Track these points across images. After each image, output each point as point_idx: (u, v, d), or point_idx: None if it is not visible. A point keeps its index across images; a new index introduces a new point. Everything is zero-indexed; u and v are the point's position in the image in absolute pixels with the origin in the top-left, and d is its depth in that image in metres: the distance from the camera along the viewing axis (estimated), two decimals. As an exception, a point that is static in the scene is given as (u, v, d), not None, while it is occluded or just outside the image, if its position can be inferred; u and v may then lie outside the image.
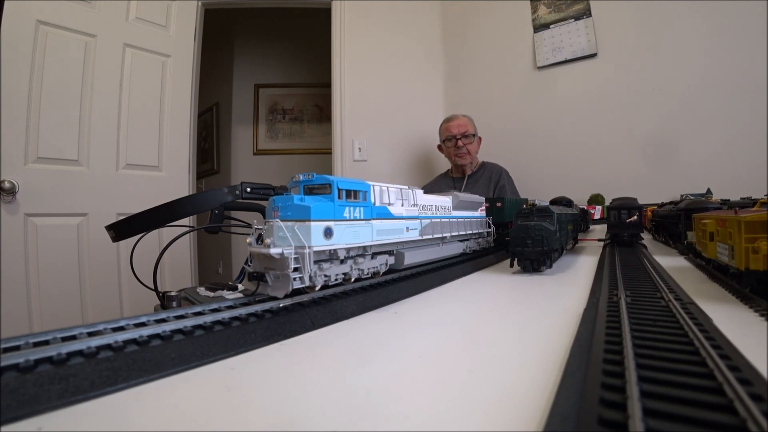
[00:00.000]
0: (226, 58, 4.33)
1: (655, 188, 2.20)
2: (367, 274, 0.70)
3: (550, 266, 0.97)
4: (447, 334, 0.56)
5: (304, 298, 0.61)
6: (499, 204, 1.39)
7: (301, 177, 0.63)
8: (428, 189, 1.08)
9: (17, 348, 0.38)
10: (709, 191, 1.91)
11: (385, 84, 3.03)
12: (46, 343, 0.40)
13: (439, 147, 2.60)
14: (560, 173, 2.63)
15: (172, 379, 0.40)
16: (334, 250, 0.59)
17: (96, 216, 2.14)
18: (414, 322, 0.61)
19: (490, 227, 1.25)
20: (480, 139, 2.54)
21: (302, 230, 0.54)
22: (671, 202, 1.47)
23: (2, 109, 1.86)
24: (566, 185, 2.41)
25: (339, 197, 0.60)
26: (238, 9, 3.55)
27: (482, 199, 1.24)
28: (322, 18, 3.06)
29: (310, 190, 0.63)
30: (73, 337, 0.42)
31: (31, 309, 1.96)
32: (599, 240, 1.64)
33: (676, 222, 1.20)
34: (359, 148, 2.96)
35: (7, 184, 1.88)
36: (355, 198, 0.64)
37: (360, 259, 0.67)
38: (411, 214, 0.80)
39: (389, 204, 0.73)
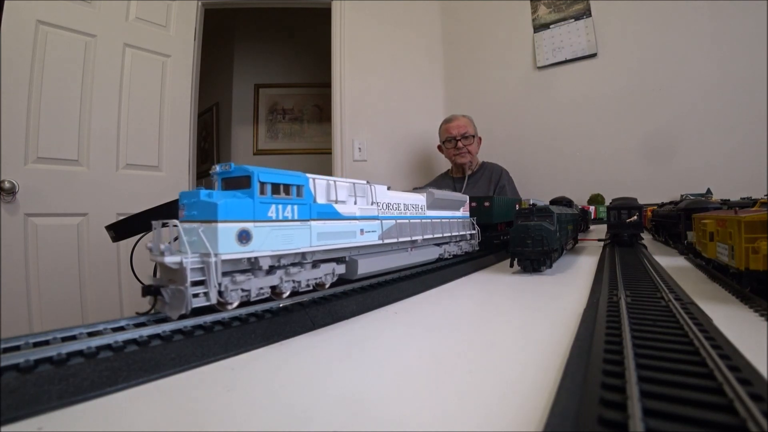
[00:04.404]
0: (226, 58, 4.33)
1: (655, 188, 2.20)
2: (308, 286, 0.60)
3: (550, 266, 0.97)
4: (447, 334, 0.56)
5: (304, 298, 0.61)
6: (487, 204, 1.27)
7: (218, 168, 0.53)
8: None
9: (17, 348, 0.38)
10: (709, 191, 1.91)
11: (385, 84, 3.03)
12: (46, 343, 0.40)
13: (439, 147, 2.60)
14: (560, 173, 2.63)
15: (172, 379, 0.40)
16: (255, 258, 0.49)
17: (96, 216, 2.14)
18: (414, 322, 0.61)
19: (474, 229, 1.14)
20: (480, 139, 2.54)
21: (208, 233, 0.45)
22: (671, 202, 1.47)
23: (2, 109, 1.86)
24: (566, 185, 2.41)
25: (261, 192, 0.50)
26: (238, 9, 3.55)
27: (464, 197, 1.12)
28: (322, 18, 3.06)
29: (231, 184, 0.53)
30: (73, 337, 0.42)
31: (31, 309, 1.96)
32: (599, 240, 1.64)
33: (676, 222, 1.20)
34: (359, 148, 2.96)
35: (7, 184, 1.88)
36: (286, 194, 0.54)
37: (293, 269, 0.56)
38: (368, 213, 0.70)
39: (336, 202, 0.63)
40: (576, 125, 2.59)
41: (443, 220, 0.96)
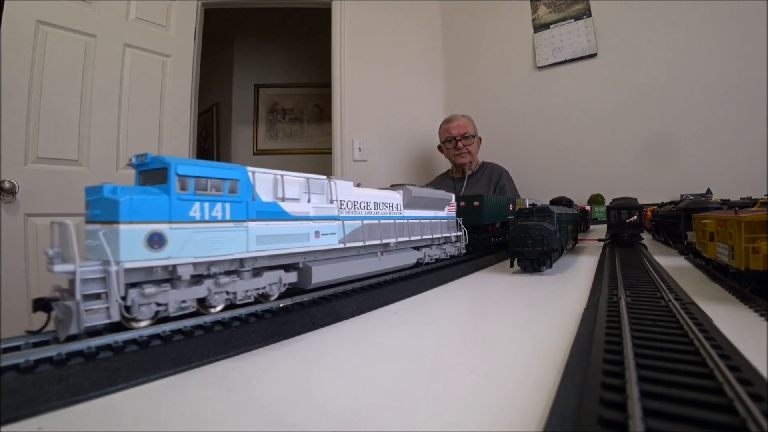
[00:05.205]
0: (226, 58, 4.33)
1: (655, 188, 2.20)
2: (248, 297, 0.52)
3: (550, 266, 0.97)
4: (447, 334, 0.56)
5: (304, 298, 0.61)
6: (476, 203, 1.18)
7: (134, 160, 0.46)
8: None
9: (17, 348, 0.38)
10: (709, 191, 1.91)
11: (385, 84, 3.03)
12: (46, 343, 0.40)
13: (439, 147, 2.60)
14: (560, 173, 2.63)
15: (172, 379, 0.40)
16: (173, 266, 0.43)
17: (96, 216, 2.14)
18: (414, 322, 0.61)
19: (460, 230, 1.04)
20: (480, 139, 2.54)
21: (109, 237, 0.38)
22: (671, 202, 1.47)
23: (2, 109, 1.86)
24: (566, 185, 2.41)
25: (182, 188, 0.43)
26: (238, 9, 3.55)
27: (449, 195, 1.03)
28: (322, 18, 3.06)
29: (149, 178, 0.46)
30: (74, 337, 0.42)
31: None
32: (599, 240, 1.64)
33: (676, 222, 1.20)
34: (359, 148, 2.96)
35: (7, 184, 1.88)
36: (216, 190, 0.46)
37: (224, 278, 0.48)
38: (325, 213, 0.61)
39: (282, 199, 0.55)
40: (576, 125, 2.58)
41: (423, 221, 0.88)
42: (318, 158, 4.16)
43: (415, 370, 0.41)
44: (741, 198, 1.41)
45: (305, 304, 0.59)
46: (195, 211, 0.44)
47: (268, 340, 0.50)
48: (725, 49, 2.12)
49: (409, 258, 0.85)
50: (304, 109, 4.36)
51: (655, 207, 1.69)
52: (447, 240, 1.01)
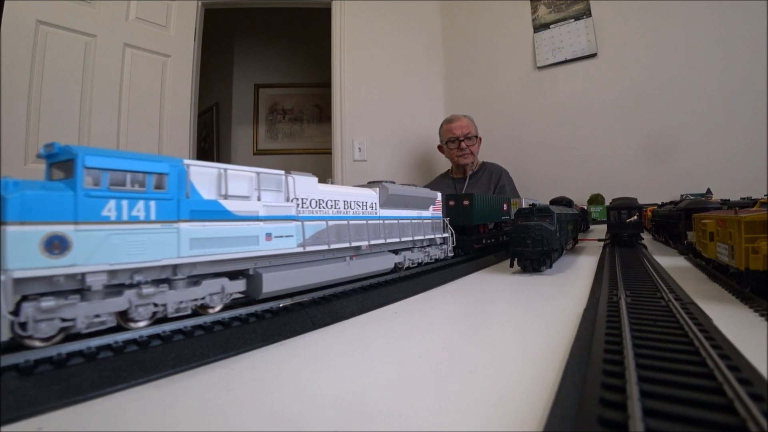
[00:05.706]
0: (226, 58, 4.33)
1: (655, 188, 2.20)
2: (183, 310, 0.46)
3: (550, 266, 0.97)
4: (447, 333, 0.56)
5: (304, 298, 0.61)
6: (466, 202, 1.10)
7: (42, 151, 0.40)
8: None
9: (17, 348, 0.38)
10: (709, 191, 1.91)
11: (385, 84, 3.03)
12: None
13: (440, 147, 2.60)
14: (560, 173, 2.63)
15: (172, 379, 0.40)
16: (82, 274, 0.37)
17: (96, 216, 2.14)
18: (414, 322, 0.61)
19: (447, 231, 0.97)
20: (480, 139, 2.54)
21: None
22: (671, 202, 1.47)
23: (2, 109, 1.86)
24: (566, 185, 2.41)
25: (93, 183, 0.37)
26: (238, 9, 3.56)
27: (434, 194, 0.95)
28: (322, 18, 3.06)
29: (60, 171, 0.40)
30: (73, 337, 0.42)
31: (31, 309, 1.95)
32: (599, 240, 1.64)
33: (676, 222, 1.20)
34: (359, 148, 2.96)
35: (7, 184, 1.89)
36: (138, 186, 0.40)
37: (149, 289, 0.42)
38: (279, 213, 0.54)
39: (225, 197, 0.48)
40: (576, 125, 2.59)
41: (402, 221, 0.80)
42: (318, 158, 4.16)
43: (415, 370, 0.41)
44: (741, 198, 1.41)
45: (305, 304, 0.59)
46: (110, 209, 0.38)
47: (268, 340, 0.50)
48: (725, 49, 2.12)
49: (386, 262, 0.76)
50: (304, 109, 4.37)
51: (655, 207, 1.69)
52: (431, 242, 0.93)
